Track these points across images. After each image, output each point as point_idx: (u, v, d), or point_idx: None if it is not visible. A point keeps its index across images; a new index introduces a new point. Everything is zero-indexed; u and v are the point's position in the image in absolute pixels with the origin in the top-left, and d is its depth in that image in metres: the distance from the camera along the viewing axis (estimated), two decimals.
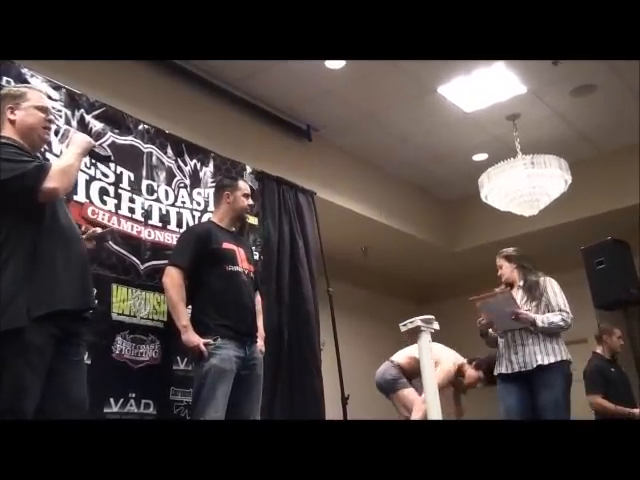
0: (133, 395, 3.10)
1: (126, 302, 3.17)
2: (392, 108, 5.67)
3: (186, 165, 3.76)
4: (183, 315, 3.00)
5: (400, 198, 6.99)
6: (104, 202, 3.22)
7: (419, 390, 4.30)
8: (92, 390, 2.90)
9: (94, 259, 3.02)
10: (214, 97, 5.05)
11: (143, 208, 3.42)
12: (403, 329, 3.88)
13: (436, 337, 3.89)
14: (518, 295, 3.75)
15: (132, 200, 3.38)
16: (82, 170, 3.15)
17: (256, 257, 3.92)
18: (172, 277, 3.05)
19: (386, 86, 5.30)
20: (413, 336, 3.70)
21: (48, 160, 2.58)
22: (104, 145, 3.28)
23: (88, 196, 3.15)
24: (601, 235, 4.49)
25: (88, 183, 3.17)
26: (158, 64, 4.63)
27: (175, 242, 3.36)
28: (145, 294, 3.26)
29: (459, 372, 4.37)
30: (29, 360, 2.08)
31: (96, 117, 3.32)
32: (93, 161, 3.22)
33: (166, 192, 3.59)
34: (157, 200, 3.52)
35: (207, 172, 3.86)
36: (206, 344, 2.93)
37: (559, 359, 3.56)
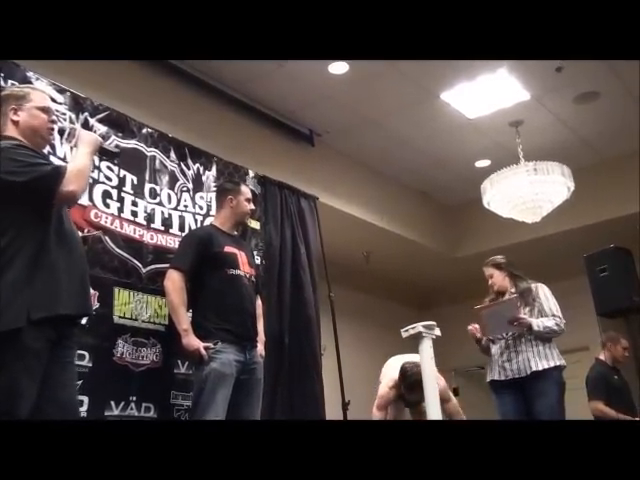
0: (134, 398, 3.10)
1: (128, 305, 3.18)
2: (395, 113, 5.68)
3: (189, 169, 3.77)
4: (184, 319, 3.00)
5: (402, 203, 6.99)
6: (107, 205, 3.23)
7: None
8: (93, 393, 2.92)
9: (96, 262, 3.04)
10: (217, 101, 5.06)
11: (146, 211, 3.42)
12: (405, 335, 3.88)
13: (437, 342, 3.89)
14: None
15: (135, 203, 3.38)
16: None
17: (258, 261, 3.92)
18: (173, 280, 3.05)
19: (389, 91, 5.30)
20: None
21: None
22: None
23: (91, 199, 3.16)
24: (604, 242, 4.49)
25: (91, 186, 3.17)
26: (161, 68, 4.64)
27: (177, 246, 3.37)
28: (147, 297, 3.26)
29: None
30: (27, 364, 2.06)
31: (100, 120, 3.33)
32: (97, 164, 3.24)
33: (169, 196, 3.59)
34: (160, 204, 3.53)
35: (210, 176, 3.87)
36: (206, 348, 2.93)
37: (552, 365, 3.57)
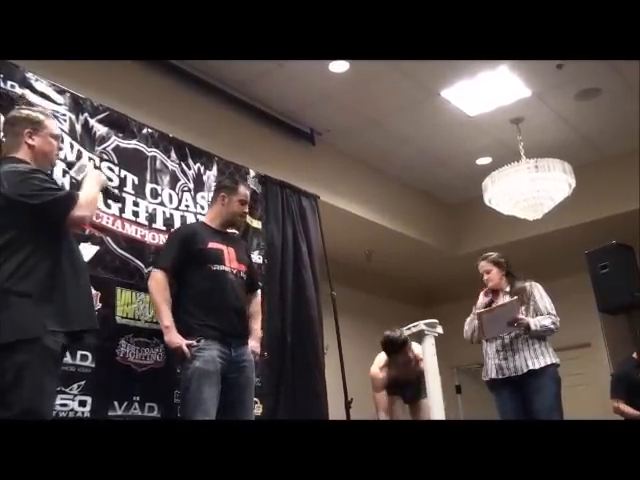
0: (137, 398, 3.10)
1: (130, 306, 3.18)
2: (396, 112, 5.67)
3: (190, 169, 3.77)
4: (166, 316, 2.96)
5: (403, 202, 6.99)
6: (108, 206, 3.23)
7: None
8: (96, 393, 2.93)
9: (98, 263, 3.04)
10: (217, 101, 5.06)
11: (147, 212, 3.43)
12: (407, 333, 3.89)
13: (439, 340, 3.90)
14: (506, 299, 3.81)
15: (136, 204, 3.38)
16: None
17: (259, 261, 3.92)
18: (156, 279, 3.05)
19: (390, 90, 5.30)
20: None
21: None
22: (109, 149, 3.31)
23: None
24: (605, 239, 4.49)
25: None
26: (161, 68, 4.64)
27: None
28: (149, 298, 3.26)
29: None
30: (47, 364, 2.21)
31: (100, 121, 3.33)
32: (97, 165, 3.24)
33: (170, 196, 3.59)
34: (161, 204, 3.53)
35: (211, 176, 3.87)
36: (189, 345, 2.90)
37: (549, 362, 3.62)
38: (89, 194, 2.53)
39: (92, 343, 2.91)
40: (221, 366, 2.96)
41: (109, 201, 3.24)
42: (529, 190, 5.32)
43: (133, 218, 3.34)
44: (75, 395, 2.84)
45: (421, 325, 3.75)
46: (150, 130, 3.60)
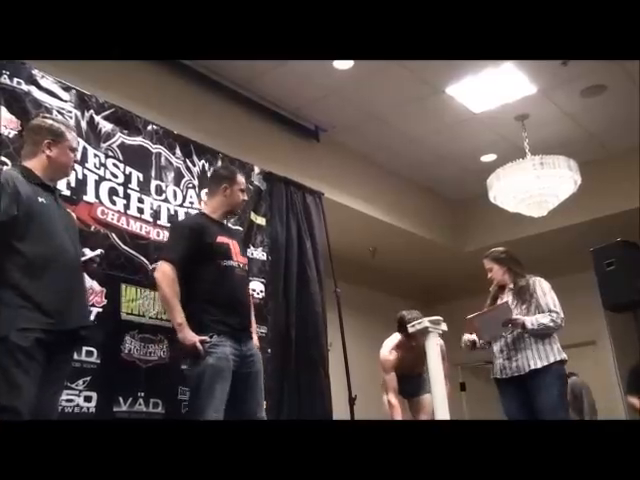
0: (142, 394, 3.11)
1: (135, 302, 3.19)
2: (400, 108, 5.66)
3: (194, 166, 3.78)
4: (178, 312, 2.90)
5: (408, 198, 6.99)
6: (113, 202, 3.24)
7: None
8: (101, 389, 2.95)
9: (103, 259, 3.05)
10: (222, 98, 5.06)
11: (152, 208, 3.43)
12: (411, 330, 3.89)
13: (444, 338, 3.90)
14: (510, 297, 3.76)
15: (141, 200, 3.40)
16: (92, 170, 3.19)
17: (264, 257, 3.94)
18: (164, 272, 2.96)
19: (394, 86, 5.29)
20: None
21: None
22: (114, 146, 3.32)
23: (97, 196, 3.17)
24: (611, 236, 4.46)
25: (97, 183, 3.19)
26: (166, 65, 4.64)
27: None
28: (154, 294, 3.26)
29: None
30: (17, 360, 2.20)
31: (105, 118, 3.34)
32: (103, 162, 3.25)
33: (174, 192, 3.60)
34: (166, 200, 3.54)
35: None
36: (202, 342, 2.87)
37: (552, 360, 3.56)
38: None
39: (97, 339, 2.93)
40: (233, 362, 2.94)
41: (114, 197, 3.25)
42: (534, 187, 5.30)
43: (138, 215, 3.35)
44: (80, 391, 2.86)
45: (425, 322, 3.75)
46: (155, 127, 3.61)
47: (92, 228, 3.07)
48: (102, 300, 3.03)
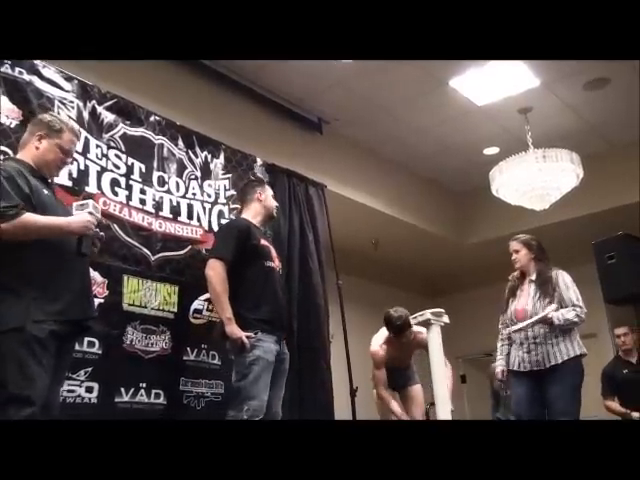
0: (143, 385, 3.13)
1: (137, 293, 3.19)
2: (404, 101, 5.65)
3: (197, 157, 3.77)
4: (227, 307, 3.02)
5: (411, 191, 6.97)
6: (115, 193, 3.24)
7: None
8: (103, 380, 2.95)
9: (105, 250, 3.05)
10: (224, 89, 5.05)
11: (154, 199, 3.43)
12: (413, 322, 3.89)
13: (446, 330, 3.90)
14: (531, 289, 3.72)
15: (143, 191, 3.39)
16: (94, 161, 3.19)
17: None
18: (216, 270, 3.07)
19: (398, 79, 5.27)
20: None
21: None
22: (116, 136, 3.31)
23: (100, 187, 3.17)
24: (613, 230, 4.45)
25: (100, 174, 3.19)
26: None
27: (186, 234, 3.36)
28: (156, 285, 3.27)
29: None
30: (32, 350, 2.21)
31: (108, 108, 3.34)
32: (105, 152, 3.25)
33: (177, 184, 3.60)
34: (168, 192, 3.53)
35: (218, 164, 3.87)
36: (248, 337, 2.98)
37: (572, 355, 3.55)
38: (36, 222, 2.32)
39: (99, 330, 2.93)
40: (275, 359, 3.08)
41: (116, 188, 3.25)
42: (536, 180, 5.29)
43: (140, 206, 3.35)
44: (82, 381, 2.87)
45: (427, 314, 3.76)
46: (157, 118, 3.61)
47: None
48: (104, 291, 3.03)
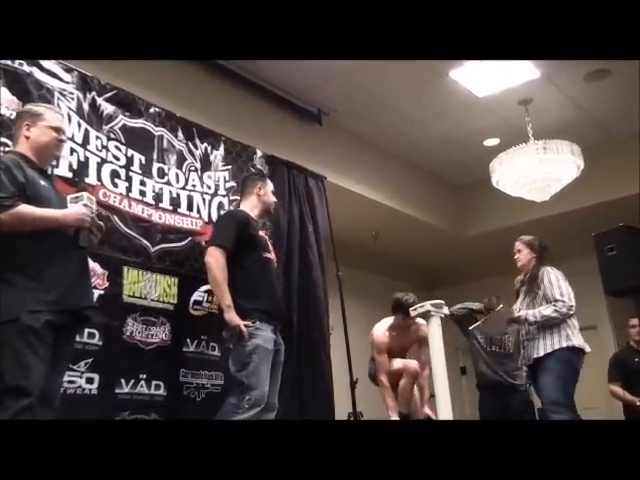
0: (144, 376, 3.13)
1: (137, 284, 3.20)
2: (403, 92, 5.63)
3: (197, 148, 3.77)
4: (227, 294, 3.03)
5: (410, 183, 6.97)
6: (115, 185, 3.24)
7: None
8: (103, 371, 2.96)
9: (105, 241, 3.05)
10: (224, 80, 5.03)
11: (154, 191, 3.43)
12: (413, 314, 3.89)
13: (446, 321, 3.90)
14: (523, 290, 3.89)
15: (143, 183, 3.39)
16: (94, 153, 3.18)
17: None
18: (216, 257, 3.08)
19: (398, 70, 5.26)
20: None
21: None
22: (116, 128, 3.31)
23: (99, 179, 3.17)
24: (613, 221, 4.45)
25: (99, 166, 3.19)
26: None
27: (186, 225, 3.37)
28: (156, 276, 3.28)
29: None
30: (28, 341, 2.22)
31: (107, 100, 3.34)
32: (104, 144, 3.24)
33: (177, 175, 3.60)
34: (168, 183, 3.53)
35: (217, 155, 3.87)
36: (246, 326, 2.99)
37: (556, 347, 3.65)
38: (31, 213, 2.33)
39: (99, 321, 2.94)
40: (272, 348, 3.10)
41: (116, 180, 3.25)
42: (537, 172, 5.28)
43: (140, 197, 3.35)
44: (82, 372, 2.88)
45: (427, 306, 3.75)
46: (157, 109, 3.60)
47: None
48: (104, 282, 3.04)
